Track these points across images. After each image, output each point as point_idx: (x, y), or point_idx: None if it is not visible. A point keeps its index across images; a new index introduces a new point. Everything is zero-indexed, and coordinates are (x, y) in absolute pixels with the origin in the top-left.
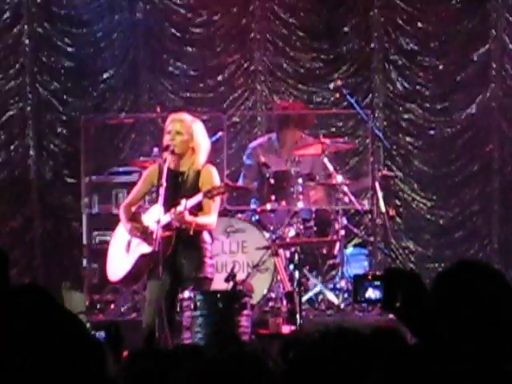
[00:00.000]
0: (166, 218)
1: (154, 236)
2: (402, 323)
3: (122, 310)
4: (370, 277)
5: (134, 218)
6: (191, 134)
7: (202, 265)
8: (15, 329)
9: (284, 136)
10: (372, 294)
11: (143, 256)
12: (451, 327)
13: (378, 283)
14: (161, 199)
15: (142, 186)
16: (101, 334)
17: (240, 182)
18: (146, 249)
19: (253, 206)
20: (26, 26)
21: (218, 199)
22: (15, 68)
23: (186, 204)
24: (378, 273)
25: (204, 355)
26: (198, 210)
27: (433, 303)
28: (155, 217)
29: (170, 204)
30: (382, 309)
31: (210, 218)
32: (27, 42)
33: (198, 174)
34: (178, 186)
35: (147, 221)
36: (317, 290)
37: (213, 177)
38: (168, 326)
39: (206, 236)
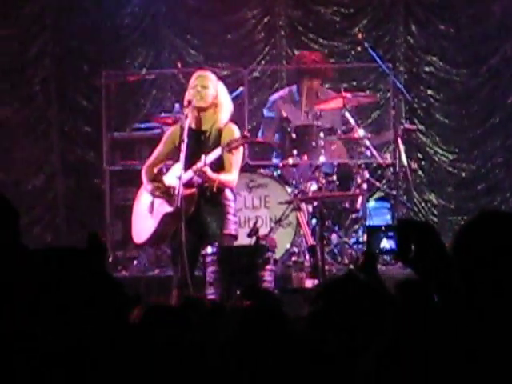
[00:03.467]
0: (187, 175)
1: (176, 192)
2: (416, 273)
3: (145, 266)
4: (383, 228)
5: (156, 178)
6: (217, 91)
7: (225, 222)
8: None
9: (303, 86)
10: (386, 244)
11: (167, 215)
12: (473, 280)
13: (391, 234)
14: (182, 155)
15: (163, 146)
16: None
17: (260, 135)
18: (168, 208)
19: (275, 161)
20: None
21: (238, 156)
22: (36, 26)
23: (205, 159)
24: (391, 223)
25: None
26: (219, 167)
27: (446, 253)
28: (177, 174)
29: (191, 162)
30: (395, 259)
31: (231, 176)
32: (47, 0)
33: (219, 132)
34: (200, 145)
35: (168, 180)
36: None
37: (234, 134)
38: (190, 282)
39: (228, 193)
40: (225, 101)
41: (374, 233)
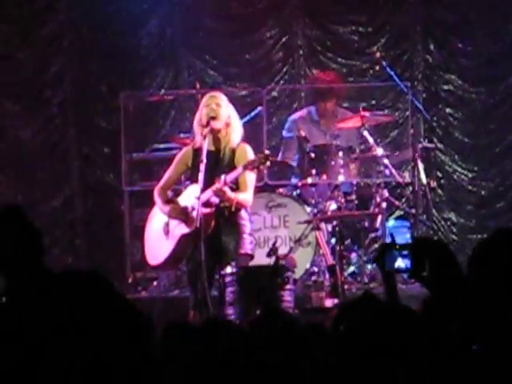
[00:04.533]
0: (206, 195)
1: (195, 212)
2: (430, 292)
3: (165, 286)
4: (397, 246)
5: (171, 200)
6: (228, 112)
7: (241, 241)
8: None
9: (322, 107)
10: (401, 263)
11: (184, 236)
12: (489, 297)
13: (405, 252)
14: (201, 175)
15: (175, 168)
16: None
17: (280, 156)
18: (185, 229)
19: (293, 181)
20: (64, 5)
21: (254, 176)
22: (54, 48)
23: (225, 178)
24: (405, 242)
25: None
26: (235, 186)
27: (461, 272)
28: (193, 195)
29: (207, 183)
30: (409, 277)
31: (246, 195)
32: (65, 20)
33: (233, 152)
34: (215, 165)
35: (184, 201)
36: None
37: (247, 154)
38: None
39: (243, 213)
40: (236, 123)
41: (388, 251)
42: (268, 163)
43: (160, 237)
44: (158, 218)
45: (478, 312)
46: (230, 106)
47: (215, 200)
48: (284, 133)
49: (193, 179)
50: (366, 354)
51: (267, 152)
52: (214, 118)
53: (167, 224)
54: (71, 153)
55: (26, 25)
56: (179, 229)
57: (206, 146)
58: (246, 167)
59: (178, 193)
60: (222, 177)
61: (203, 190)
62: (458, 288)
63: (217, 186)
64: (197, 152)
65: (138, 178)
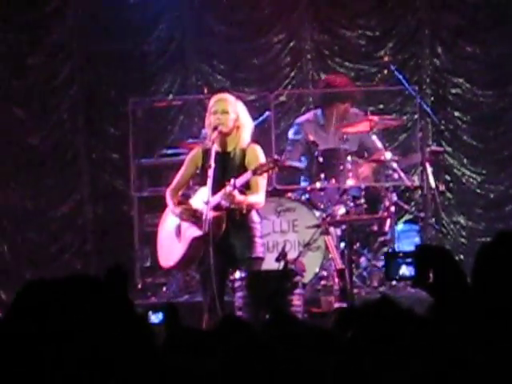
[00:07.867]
0: (215, 199)
1: (204, 217)
2: (434, 299)
3: (174, 292)
4: (401, 254)
5: (182, 201)
6: (237, 113)
7: (252, 244)
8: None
9: (330, 110)
10: (406, 271)
11: (195, 239)
12: (490, 299)
13: (410, 260)
14: (209, 181)
15: (185, 169)
16: (158, 316)
17: (283, 157)
18: (197, 232)
19: (302, 185)
20: (72, 11)
21: (265, 177)
22: (63, 53)
23: (235, 183)
24: (409, 250)
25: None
26: (246, 188)
27: (465, 279)
28: (204, 199)
29: (218, 185)
30: (413, 285)
31: (258, 197)
32: (74, 26)
33: (243, 153)
34: (225, 167)
35: (195, 204)
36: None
37: (258, 155)
38: (220, 307)
39: (254, 215)
40: (246, 121)
41: (393, 259)
42: (277, 169)
43: (172, 239)
44: (170, 219)
45: (481, 318)
46: (239, 103)
47: (225, 203)
48: (290, 135)
49: (202, 182)
50: (376, 358)
51: (276, 157)
52: (221, 125)
53: (179, 226)
54: (80, 159)
55: (35, 31)
56: (191, 231)
57: (215, 150)
58: (254, 172)
59: (187, 197)
60: (232, 181)
61: (213, 193)
62: (462, 296)
63: (226, 190)
64: (206, 153)
65: (147, 184)
